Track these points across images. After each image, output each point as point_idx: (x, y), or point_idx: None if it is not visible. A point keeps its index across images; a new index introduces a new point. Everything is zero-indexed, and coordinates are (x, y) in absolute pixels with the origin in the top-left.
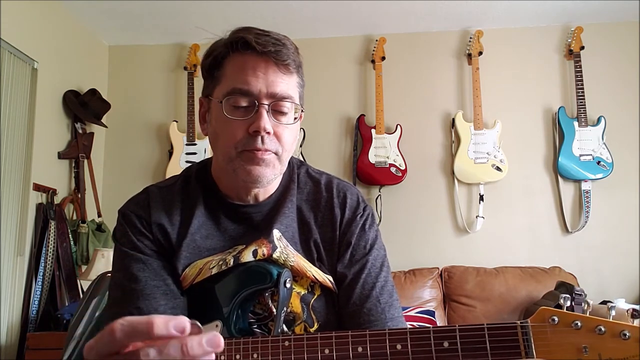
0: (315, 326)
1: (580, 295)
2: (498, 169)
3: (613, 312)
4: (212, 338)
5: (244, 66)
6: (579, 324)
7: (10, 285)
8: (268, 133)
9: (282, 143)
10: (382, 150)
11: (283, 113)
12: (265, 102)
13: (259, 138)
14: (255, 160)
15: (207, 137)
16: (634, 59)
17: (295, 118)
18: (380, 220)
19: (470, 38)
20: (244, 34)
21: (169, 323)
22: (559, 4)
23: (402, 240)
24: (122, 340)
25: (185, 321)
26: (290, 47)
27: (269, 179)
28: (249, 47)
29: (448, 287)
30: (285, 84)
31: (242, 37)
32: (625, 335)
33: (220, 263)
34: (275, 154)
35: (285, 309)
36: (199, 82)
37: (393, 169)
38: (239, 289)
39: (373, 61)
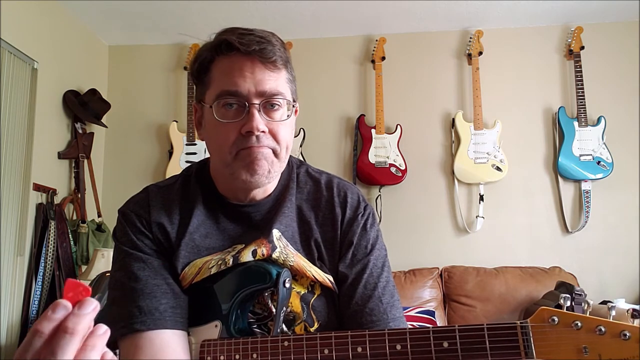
0: (316, 325)
1: (580, 295)
2: (498, 169)
3: (613, 312)
4: (82, 302)
5: (231, 68)
6: (579, 324)
7: (10, 285)
8: (263, 132)
9: (278, 140)
10: (382, 150)
11: (275, 110)
12: (256, 101)
13: (253, 137)
14: (252, 155)
15: (204, 141)
16: (634, 59)
17: (288, 115)
18: (380, 220)
19: (470, 38)
20: (227, 35)
21: (48, 314)
22: (559, 4)
23: (402, 240)
24: None
25: (58, 300)
26: (276, 43)
27: (269, 175)
28: (233, 48)
29: (448, 287)
30: (274, 80)
31: (225, 39)
32: (625, 335)
33: (219, 263)
34: (273, 150)
35: (284, 308)
36: None
37: (393, 169)
38: (238, 289)
39: (373, 61)
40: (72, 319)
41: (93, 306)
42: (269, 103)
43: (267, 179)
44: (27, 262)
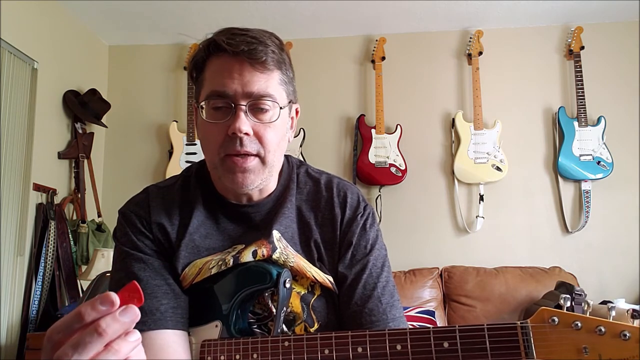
0: (316, 326)
1: (580, 295)
2: (498, 169)
3: (613, 313)
4: (126, 309)
5: (220, 69)
6: (579, 324)
7: (10, 285)
8: (247, 134)
9: (263, 143)
10: (382, 150)
11: (263, 111)
12: (242, 102)
13: (238, 140)
14: (237, 168)
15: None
16: (634, 59)
17: (277, 117)
18: (380, 220)
19: (470, 38)
20: (217, 36)
21: (96, 304)
22: (559, 4)
23: (402, 240)
24: (61, 341)
25: (110, 294)
26: (270, 43)
27: (255, 185)
28: (222, 49)
29: (448, 287)
30: (263, 82)
31: (214, 39)
32: (625, 335)
33: (219, 263)
34: (258, 156)
35: (285, 309)
36: None
37: (393, 169)
38: (238, 289)
39: (373, 61)
40: (107, 320)
41: (133, 316)
42: (256, 104)
43: (256, 188)
44: (27, 262)
